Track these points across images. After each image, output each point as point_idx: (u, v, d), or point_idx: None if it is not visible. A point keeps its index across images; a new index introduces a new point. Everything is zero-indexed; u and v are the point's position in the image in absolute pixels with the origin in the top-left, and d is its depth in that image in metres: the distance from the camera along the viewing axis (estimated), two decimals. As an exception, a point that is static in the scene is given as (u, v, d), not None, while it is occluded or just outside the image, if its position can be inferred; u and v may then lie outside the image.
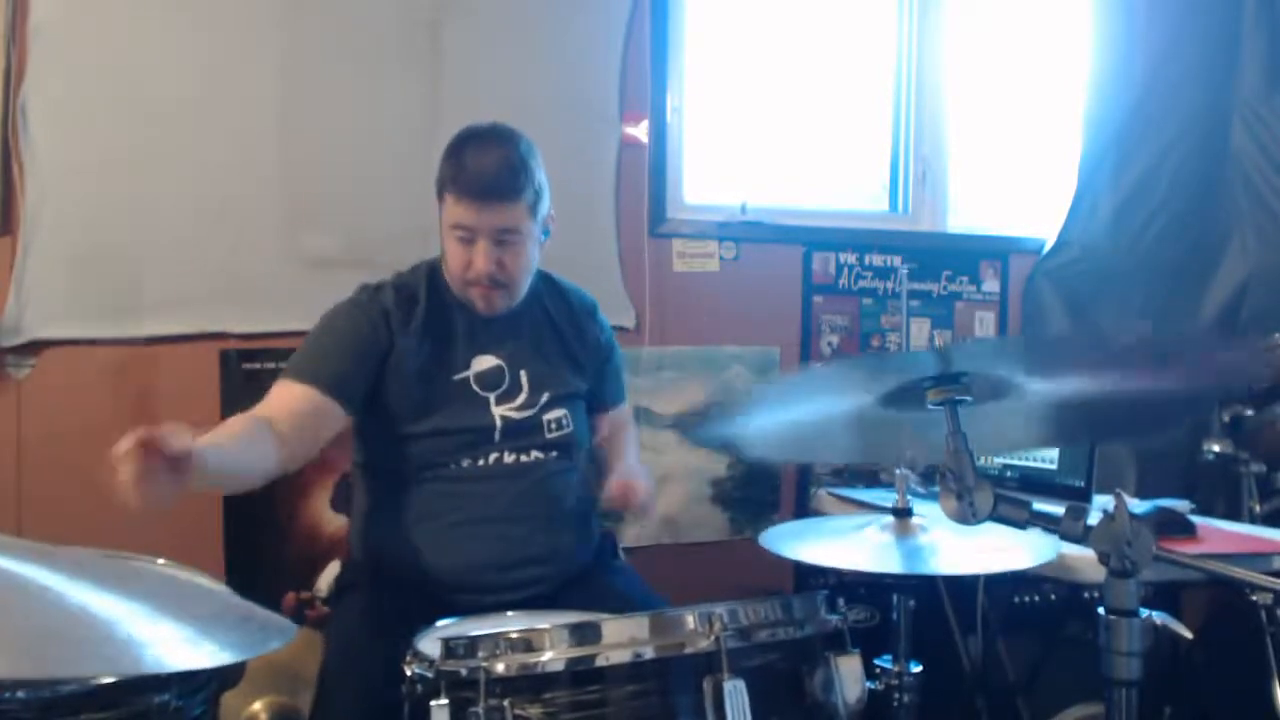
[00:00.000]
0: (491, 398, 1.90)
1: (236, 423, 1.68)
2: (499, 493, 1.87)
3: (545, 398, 1.93)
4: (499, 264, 1.84)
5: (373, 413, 1.89)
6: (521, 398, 1.92)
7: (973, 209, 3.20)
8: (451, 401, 1.88)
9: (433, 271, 1.96)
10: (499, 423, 1.89)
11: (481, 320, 1.93)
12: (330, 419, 1.81)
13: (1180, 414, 1.71)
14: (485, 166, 1.80)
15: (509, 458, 1.88)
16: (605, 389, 2.10)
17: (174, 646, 0.86)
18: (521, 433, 1.90)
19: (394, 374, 1.87)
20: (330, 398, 1.79)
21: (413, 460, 1.88)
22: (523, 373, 1.93)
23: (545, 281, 2.03)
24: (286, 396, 1.79)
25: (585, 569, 1.94)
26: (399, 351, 1.87)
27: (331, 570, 2.01)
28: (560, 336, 2.01)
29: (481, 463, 1.87)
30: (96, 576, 0.94)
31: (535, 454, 1.91)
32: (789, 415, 1.51)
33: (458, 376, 1.90)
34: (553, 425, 1.93)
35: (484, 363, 1.92)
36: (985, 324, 3.14)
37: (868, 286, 3.00)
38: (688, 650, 1.28)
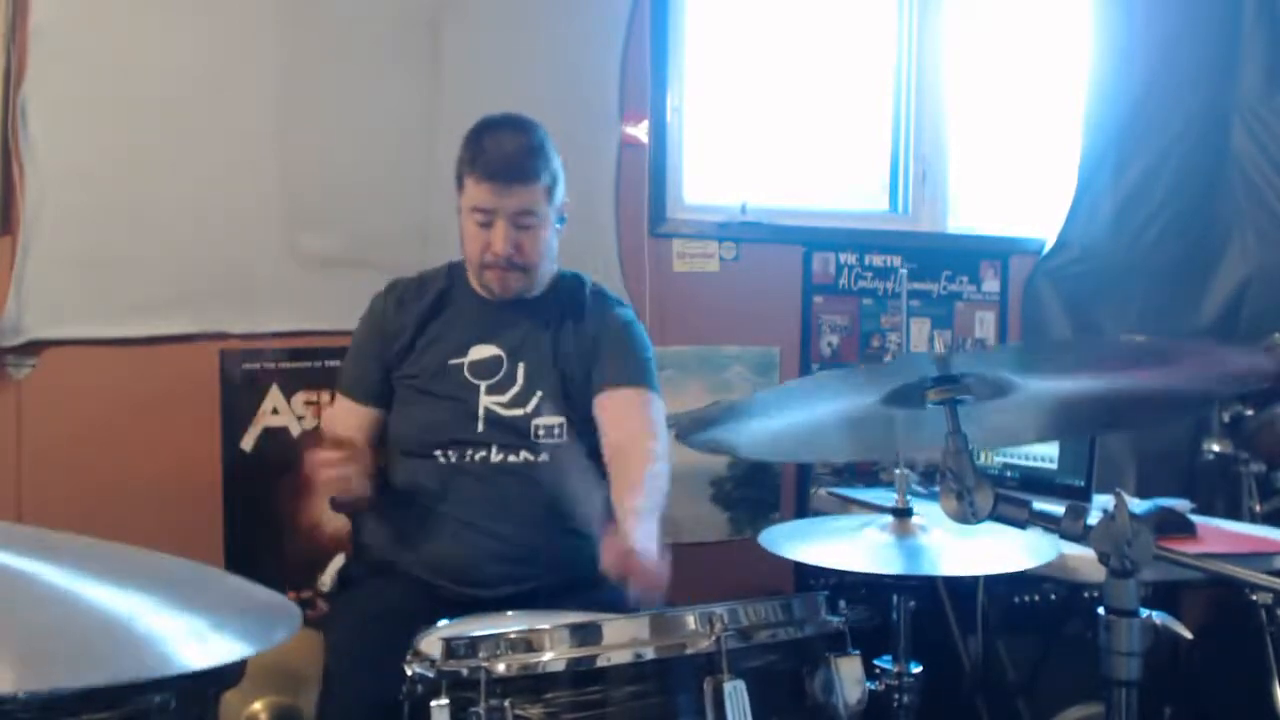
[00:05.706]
0: (482, 386, 1.92)
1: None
2: (486, 490, 1.87)
3: (538, 397, 1.91)
4: (517, 246, 1.88)
5: None
6: (513, 392, 1.92)
7: (973, 209, 3.20)
8: (439, 383, 1.92)
9: (455, 266, 2.04)
10: (483, 413, 1.90)
11: (491, 308, 1.95)
12: (376, 422, 1.97)
13: (1183, 409, 1.71)
14: (505, 149, 1.85)
15: (496, 456, 1.89)
16: (595, 367, 1.94)
17: (186, 642, 0.86)
18: (508, 431, 1.90)
19: (397, 354, 1.96)
20: (366, 405, 1.97)
21: (398, 442, 1.94)
22: (520, 365, 1.93)
23: (593, 295, 2.03)
24: (342, 412, 1.99)
25: (588, 571, 1.87)
26: (402, 331, 1.96)
27: (335, 565, 2.03)
28: (565, 341, 1.95)
29: (468, 459, 1.88)
30: (104, 568, 0.94)
31: (525, 454, 1.90)
32: (786, 419, 1.51)
33: (452, 361, 1.93)
34: (541, 431, 1.90)
35: (483, 351, 1.94)
36: (985, 324, 3.14)
37: (868, 286, 3.00)
38: (688, 651, 1.28)
